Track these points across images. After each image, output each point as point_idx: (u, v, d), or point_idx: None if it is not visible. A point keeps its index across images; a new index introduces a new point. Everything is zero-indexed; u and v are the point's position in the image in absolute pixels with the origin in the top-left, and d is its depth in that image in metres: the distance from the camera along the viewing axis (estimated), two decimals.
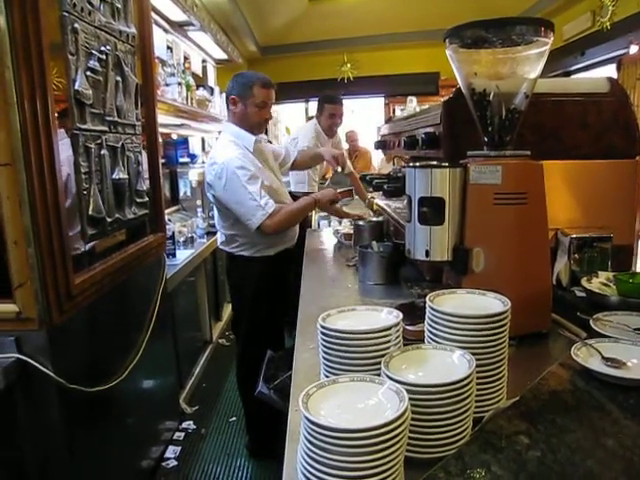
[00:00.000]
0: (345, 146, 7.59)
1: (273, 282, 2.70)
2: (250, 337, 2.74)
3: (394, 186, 1.69)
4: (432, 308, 0.96)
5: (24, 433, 1.76)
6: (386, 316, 0.99)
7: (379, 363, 0.87)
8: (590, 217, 1.64)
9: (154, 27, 3.12)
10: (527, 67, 1.32)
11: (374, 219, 2.64)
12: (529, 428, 0.82)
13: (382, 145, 2.84)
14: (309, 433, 0.71)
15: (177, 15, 4.44)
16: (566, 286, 1.54)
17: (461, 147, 1.46)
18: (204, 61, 6.26)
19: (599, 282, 1.48)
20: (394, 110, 7.89)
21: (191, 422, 3.25)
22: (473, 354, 0.89)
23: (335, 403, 0.76)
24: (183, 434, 3.13)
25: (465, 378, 0.80)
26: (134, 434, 2.54)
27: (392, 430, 0.69)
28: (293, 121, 8.88)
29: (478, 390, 0.91)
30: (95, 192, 1.97)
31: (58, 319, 1.75)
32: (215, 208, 2.70)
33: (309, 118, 6.84)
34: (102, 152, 2.03)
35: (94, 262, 2.07)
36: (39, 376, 1.72)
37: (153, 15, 3.30)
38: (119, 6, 2.21)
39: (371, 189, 2.62)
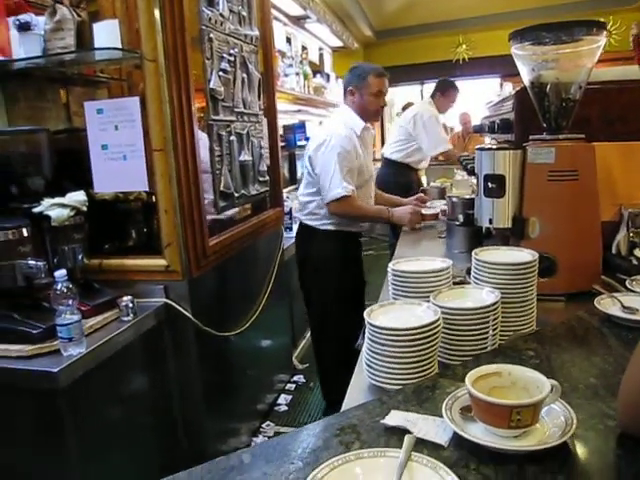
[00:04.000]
0: (455, 127, 7.76)
1: (339, 255, 2.87)
2: (322, 317, 2.95)
3: (472, 165, 1.94)
4: (475, 258, 1.25)
5: (169, 361, 2.24)
6: (439, 263, 1.29)
7: None
8: None
9: (274, 22, 3.53)
10: (582, 62, 1.53)
11: (467, 196, 2.86)
12: (537, 347, 1.09)
13: (479, 128, 3.05)
14: (370, 333, 1.04)
15: (296, 10, 4.84)
16: (625, 255, 1.73)
17: (531, 132, 1.69)
18: (321, 49, 6.64)
19: None
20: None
21: (301, 376, 3.69)
22: (505, 293, 1.17)
23: (390, 315, 1.08)
24: (294, 385, 3.58)
25: (487, 306, 1.09)
26: (252, 380, 2.99)
27: (426, 332, 1.00)
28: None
29: (507, 322, 1.19)
30: (225, 171, 2.40)
31: (195, 273, 2.20)
32: (304, 176, 2.92)
33: None
34: (231, 138, 2.45)
35: (224, 230, 2.51)
36: (181, 317, 2.18)
37: (273, 12, 3.71)
38: (245, 14, 2.62)
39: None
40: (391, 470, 0.70)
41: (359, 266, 3.08)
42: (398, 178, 4.53)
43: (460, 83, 7.74)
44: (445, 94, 4.80)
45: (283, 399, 3.39)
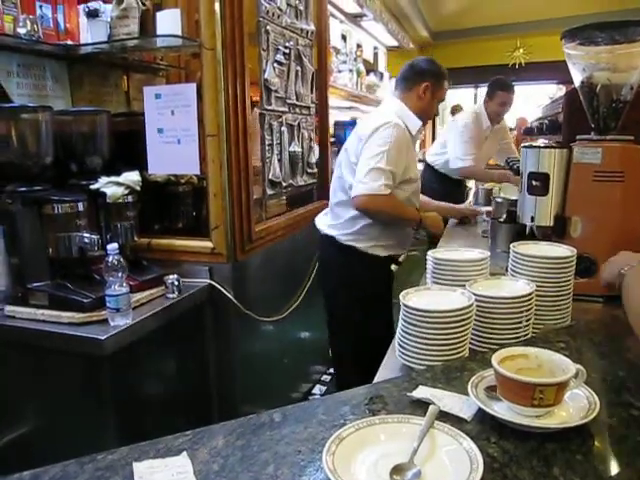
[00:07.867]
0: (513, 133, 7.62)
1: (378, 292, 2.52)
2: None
3: (518, 165, 1.94)
4: (514, 251, 1.27)
5: (209, 340, 2.31)
6: (477, 254, 1.31)
7: None
8: None
9: (330, 19, 3.58)
10: (636, 63, 1.52)
11: (514, 197, 2.85)
12: (569, 340, 1.11)
13: (529, 131, 3.03)
14: (403, 314, 1.07)
15: (352, 8, 4.87)
16: None
17: (579, 133, 1.69)
18: (375, 48, 6.65)
19: None
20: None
21: None
22: (540, 286, 1.18)
23: (425, 299, 1.11)
24: (329, 377, 3.61)
25: (521, 297, 1.11)
26: (288, 368, 3.05)
27: (457, 315, 1.03)
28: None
29: (541, 315, 1.20)
30: (275, 161, 2.47)
31: (240, 257, 2.26)
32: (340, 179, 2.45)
33: None
34: (282, 129, 2.52)
35: (270, 217, 2.58)
36: (223, 299, 2.25)
37: (330, 8, 3.76)
38: (301, 8, 2.68)
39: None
40: (413, 436, 0.74)
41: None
42: (432, 184, 4.09)
43: (517, 88, 7.60)
44: (492, 97, 4.02)
45: (318, 389, 3.44)
